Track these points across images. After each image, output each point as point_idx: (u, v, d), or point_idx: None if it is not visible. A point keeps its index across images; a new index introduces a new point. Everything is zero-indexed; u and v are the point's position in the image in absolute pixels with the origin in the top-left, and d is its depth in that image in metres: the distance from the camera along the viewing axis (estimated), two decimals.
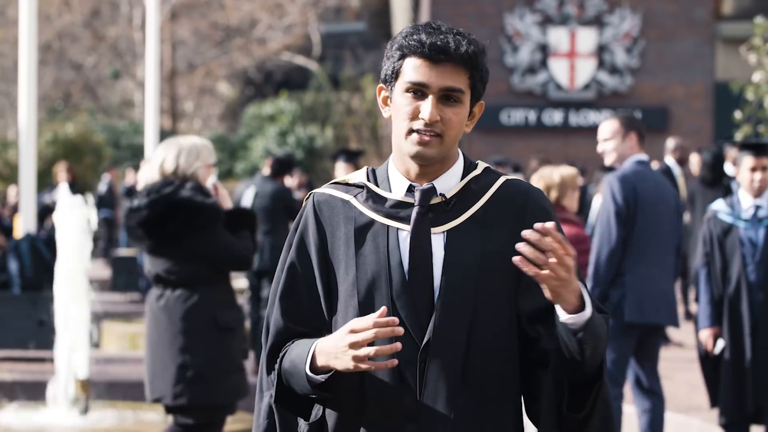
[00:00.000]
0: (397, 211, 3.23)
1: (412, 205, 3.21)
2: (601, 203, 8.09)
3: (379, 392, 3.15)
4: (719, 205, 7.65)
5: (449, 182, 3.24)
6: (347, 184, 3.31)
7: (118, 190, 24.38)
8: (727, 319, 7.49)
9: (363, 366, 3.04)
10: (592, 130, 24.74)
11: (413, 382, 3.14)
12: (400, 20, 30.65)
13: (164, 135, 28.81)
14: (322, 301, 3.26)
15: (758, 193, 7.48)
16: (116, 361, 11.64)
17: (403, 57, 3.18)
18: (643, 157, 7.91)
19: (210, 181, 6.75)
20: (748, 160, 7.48)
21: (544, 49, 25.12)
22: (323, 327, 3.25)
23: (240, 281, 15.98)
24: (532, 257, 2.96)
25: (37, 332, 11.56)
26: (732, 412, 7.50)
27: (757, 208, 7.48)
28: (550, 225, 2.95)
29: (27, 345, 11.69)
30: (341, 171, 10.50)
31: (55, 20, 34.76)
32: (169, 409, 6.73)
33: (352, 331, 3.04)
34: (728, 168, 13.09)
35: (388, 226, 3.22)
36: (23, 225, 12.70)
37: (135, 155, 29.23)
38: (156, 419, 9.31)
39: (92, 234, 9.78)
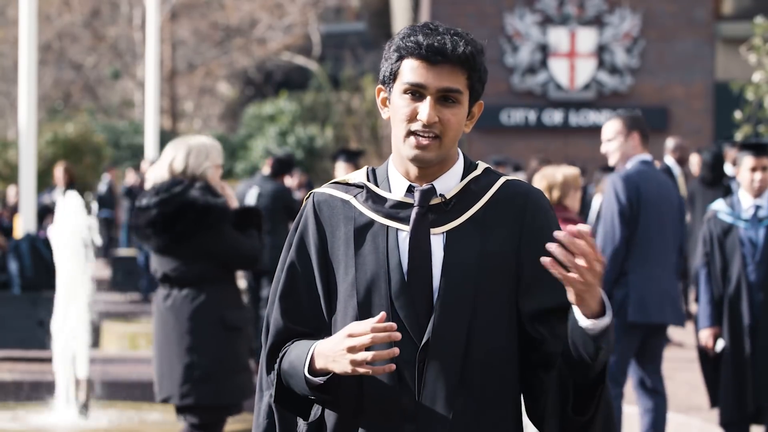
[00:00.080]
0: (397, 211, 3.23)
1: (411, 205, 3.21)
2: (602, 203, 8.10)
3: (378, 392, 3.15)
4: (719, 205, 7.65)
5: (449, 183, 3.24)
6: (347, 184, 3.31)
7: (118, 190, 24.38)
8: (727, 319, 7.49)
9: (361, 370, 3.04)
10: (592, 130, 24.83)
11: (412, 383, 3.14)
12: (400, 20, 30.65)
13: (164, 135, 28.83)
14: (322, 301, 3.26)
15: (758, 193, 7.48)
16: (116, 361, 11.64)
17: (400, 58, 3.18)
18: (647, 156, 7.92)
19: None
20: (748, 160, 7.48)
21: (544, 49, 25.12)
22: (323, 327, 3.26)
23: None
24: (562, 259, 2.94)
25: (37, 332, 11.55)
26: (732, 412, 7.50)
27: (757, 208, 7.48)
28: (585, 228, 2.94)
29: (27, 345, 11.69)
30: (341, 171, 10.50)
31: (55, 20, 34.76)
32: (178, 409, 6.73)
33: (350, 335, 3.05)
34: (728, 168, 13.10)
35: (387, 226, 3.22)
36: (23, 225, 12.70)
37: (135, 155, 29.23)
38: (156, 419, 9.31)
39: (91, 240, 9.76)
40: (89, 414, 9.37)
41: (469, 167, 3.29)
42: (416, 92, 3.16)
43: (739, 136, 11.06)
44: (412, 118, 3.16)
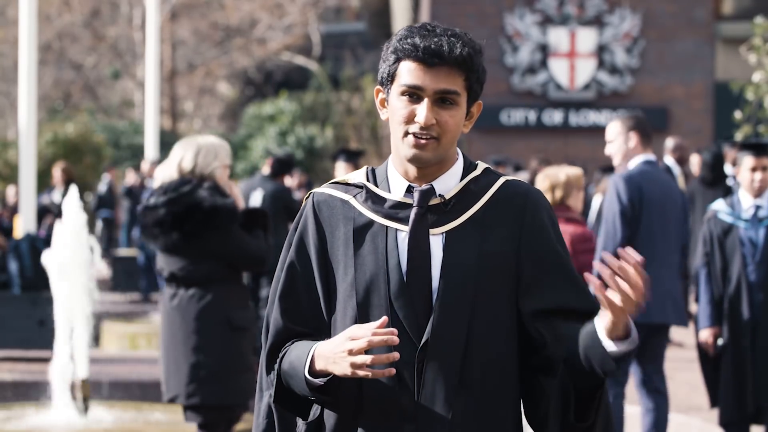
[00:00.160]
0: (396, 211, 3.23)
1: (411, 205, 3.21)
2: (603, 203, 8.10)
3: (377, 392, 3.15)
4: (719, 205, 7.65)
5: (448, 183, 3.24)
6: (347, 184, 3.31)
7: (118, 190, 24.37)
8: (727, 319, 7.49)
9: (360, 373, 3.05)
10: (592, 130, 24.84)
11: (411, 383, 3.14)
12: (400, 20, 30.65)
13: (164, 135, 28.82)
14: (322, 301, 3.26)
15: (758, 193, 7.48)
16: (116, 361, 11.64)
17: (398, 60, 3.18)
18: (650, 157, 7.93)
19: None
20: (748, 160, 7.49)
21: (544, 49, 25.12)
22: (323, 327, 3.26)
23: None
24: (610, 282, 2.96)
25: (37, 332, 11.55)
26: (732, 412, 7.50)
27: (758, 208, 7.48)
28: (641, 260, 2.95)
29: (27, 345, 11.69)
30: (341, 171, 10.50)
31: (55, 20, 34.75)
32: (185, 409, 6.74)
33: (351, 338, 3.06)
34: (728, 168, 13.10)
35: (387, 226, 3.22)
36: (23, 225, 12.70)
37: (135, 155, 29.22)
38: (156, 419, 9.31)
39: (89, 243, 9.75)
40: (89, 414, 9.37)
41: (468, 167, 3.28)
42: (414, 94, 3.16)
43: (739, 136, 11.06)
44: (410, 119, 3.16)
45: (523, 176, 16.61)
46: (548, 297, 3.19)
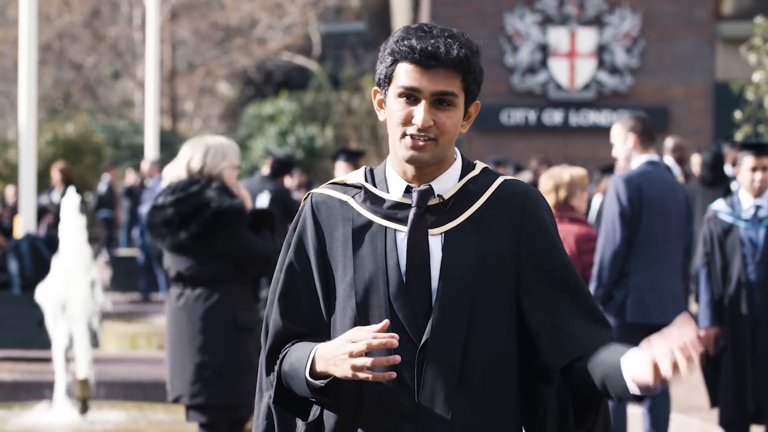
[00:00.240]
0: (395, 212, 3.23)
1: (409, 206, 3.21)
2: (603, 203, 8.11)
3: (377, 393, 3.15)
4: (719, 205, 7.65)
5: (447, 183, 3.23)
6: (345, 185, 3.31)
7: (118, 190, 24.37)
8: (728, 319, 7.49)
9: (361, 375, 3.05)
10: (592, 130, 24.84)
11: (411, 383, 3.14)
12: (400, 20, 30.65)
13: (164, 135, 28.83)
14: (321, 301, 3.26)
15: (758, 193, 7.48)
16: (116, 361, 11.64)
17: (395, 62, 3.18)
18: (652, 157, 7.93)
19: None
20: (748, 160, 7.49)
21: (544, 49, 25.12)
22: (322, 327, 3.26)
23: None
24: (677, 347, 2.93)
25: (37, 332, 11.55)
26: (732, 412, 7.50)
27: (758, 208, 7.48)
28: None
29: (27, 345, 11.69)
30: (341, 171, 10.50)
31: (55, 20, 34.75)
32: (188, 409, 6.73)
33: (352, 341, 3.06)
34: (728, 168, 13.09)
35: (385, 227, 3.22)
36: (23, 225, 12.70)
37: (135, 155, 29.22)
38: (156, 419, 9.31)
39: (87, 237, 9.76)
40: (89, 414, 9.37)
41: (467, 167, 3.28)
42: (411, 96, 3.16)
43: (739, 136, 11.06)
44: (407, 121, 3.16)
45: (525, 177, 16.63)
46: (549, 304, 3.19)
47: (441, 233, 3.20)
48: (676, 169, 13.21)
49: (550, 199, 7.58)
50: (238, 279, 6.68)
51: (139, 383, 10.22)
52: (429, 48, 3.13)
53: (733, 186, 12.78)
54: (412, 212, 3.20)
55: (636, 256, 7.77)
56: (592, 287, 7.73)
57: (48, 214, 17.23)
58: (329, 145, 28.44)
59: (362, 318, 3.17)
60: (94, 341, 9.83)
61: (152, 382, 10.29)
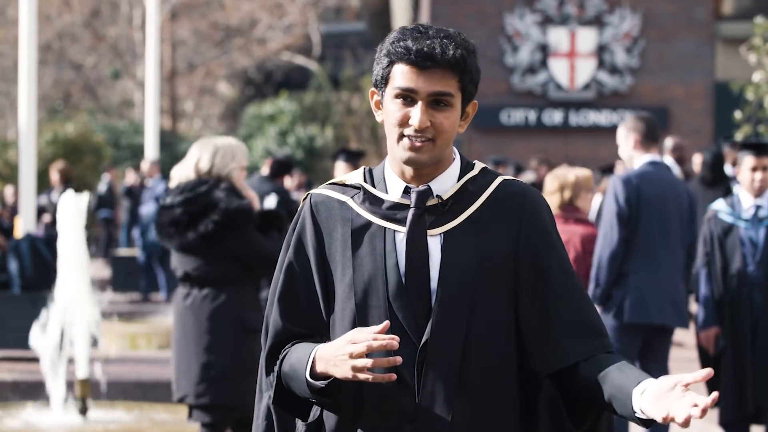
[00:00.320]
0: (394, 212, 3.23)
1: (408, 206, 3.21)
2: (602, 203, 8.11)
3: (378, 393, 3.15)
4: (720, 205, 7.66)
5: (445, 184, 3.23)
6: (344, 185, 3.31)
7: (118, 190, 24.37)
8: (728, 319, 7.49)
9: (361, 376, 3.05)
10: (592, 130, 24.84)
11: (411, 383, 3.14)
12: (400, 20, 30.66)
13: (164, 135, 28.82)
14: (321, 301, 3.26)
15: (759, 193, 7.48)
16: (116, 361, 11.64)
17: (391, 63, 3.18)
18: (654, 157, 7.94)
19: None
20: (748, 160, 7.49)
21: (544, 49, 25.11)
22: (322, 327, 3.26)
23: None
24: (693, 408, 2.95)
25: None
26: (732, 412, 7.50)
27: (758, 207, 7.49)
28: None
29: (27, 345, 11.68)
30: (341, 171, 10.50)
31: (55, 20, 34.74)
32: (191, 409, 6.72)
33: (352, 342, 3.06)
34: (728, 168, 13.09)
35: (384, 227, 3.22)
36: (23, 225, 12.70)
37: (135, 155, 29.21)
38: (156, 419, 9.31)
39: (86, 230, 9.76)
40: (89, 414, 9.37)
41: (465, 167, 3.28)
42: (407, 97, 3.16)
43: (739, 136, 11.06)
44: (404, 122, 3.16)
45: (527, 177, 16.62)
46: (542, 308, 3.19)
47: (440, 234, 3.20)
48: (676, 169, 13.21)
49: (555, 200, 7.60)
50: (246, 279, 6.69)
51: (139, 383, 10.22)
52: (425, 49, 3.13)
53: (736, 189, 12.80)
54: (410, 213, 3.20)
55: (635, 257, 7.77)
56: (590, 287, 7.74)
57: (45, 213, 17.23)
58: (329, 145, 28.45)
59: (362, 318, 3.17)
60: (94, 341, 9.82)
61: (152, 382, 10.30)
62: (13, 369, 11.11)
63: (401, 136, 3.17)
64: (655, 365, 7.91)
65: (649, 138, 7.96)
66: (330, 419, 3.22)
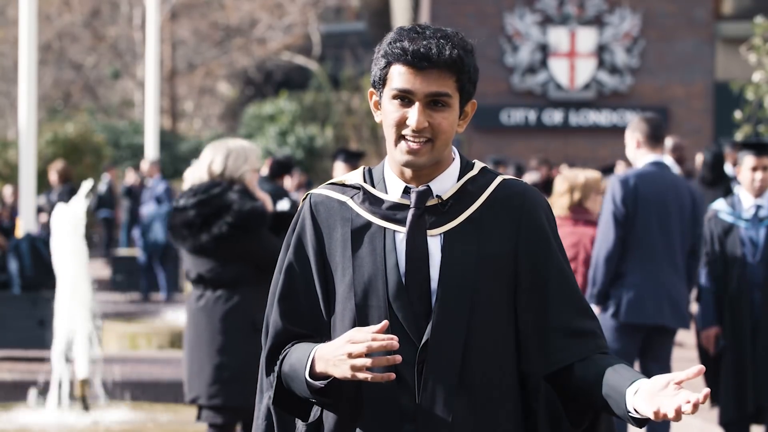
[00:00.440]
0: (394, 213, 3.22)
1: (408, 207, 3.21)
2: (602, 203, 8.12)
3: (378, 393, 3.15)
4: (720, 205, 7.66)
5: (445, 184, 3.23)
6: (344, 185, 3.31)
7: (118, 190, 24.37)
8: (728, 319, 7.49)
9: (360, 376, 3.04)
10: (592, 130, 24.85)
11: (411, 383, 3.14)
12: (400, 20, 30.66)
13: (164, 135, 28.82)
14: (321, 301, 3.26)
15: (759, 193, 7.49)
16: (116, 361, 11.63)
17: (388, 64, 3.18)
18: (656, 158, 7.93)
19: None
20: (749, 160, 7.49)
21: (544, 49, 25.12)
22: (322, 328, 3.26)
23: None
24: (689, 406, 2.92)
25: (37, 332, 11.55)
26: (732, 411, 7.50)
27: (758, 207, 7.49)
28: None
29: (27, 345, 11.68)
30: (340, 171, 10.49)
31: (55, 20, 34.75)
32: (201, 409, 6.72)
33: (351, 341, 3.05)
34: (728, 168, 13.10)
35: (384, 228, 3.22)
36: (23, 225, 12.70)
37: (135, 155, 29.22)
38: (157, 419, 9.31)
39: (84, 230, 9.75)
40: (89, 414, 9.37)
41: (465, 167, 3.28)
42: (405, 98, 3.16)
43: (739, 136, 11.06)
44: (402, 123, 3.16)
45: (531, 177, 16.59)
46: (539, 309, 3.19)
47: (440, 234, 3.20)
48: (676, 169, 13.21)
49: (565, 201, 7.60)
50: (259, 281, 6.68)
51: (139, 383, 10.22)
52: (421, 50, 3.13)
53: (737, 190, 12.81)
54: (410, 213, 3.20)
55: (632, 257, 7.77)
56: (588, 287, 7.74)
57: (42, 213, 17.22)
58: (329, 145, 28.45)
59: (362, 318, 3.17)
60: (94, 341, 9.82)
61: (152, 382, 10.30)
62: (13, 369, 11.11)
63: (399, 138, 3.17)
64: (656, 366, 7.89)
65: (653, 138, 7.96)
66: (330, 419, 3.22)
